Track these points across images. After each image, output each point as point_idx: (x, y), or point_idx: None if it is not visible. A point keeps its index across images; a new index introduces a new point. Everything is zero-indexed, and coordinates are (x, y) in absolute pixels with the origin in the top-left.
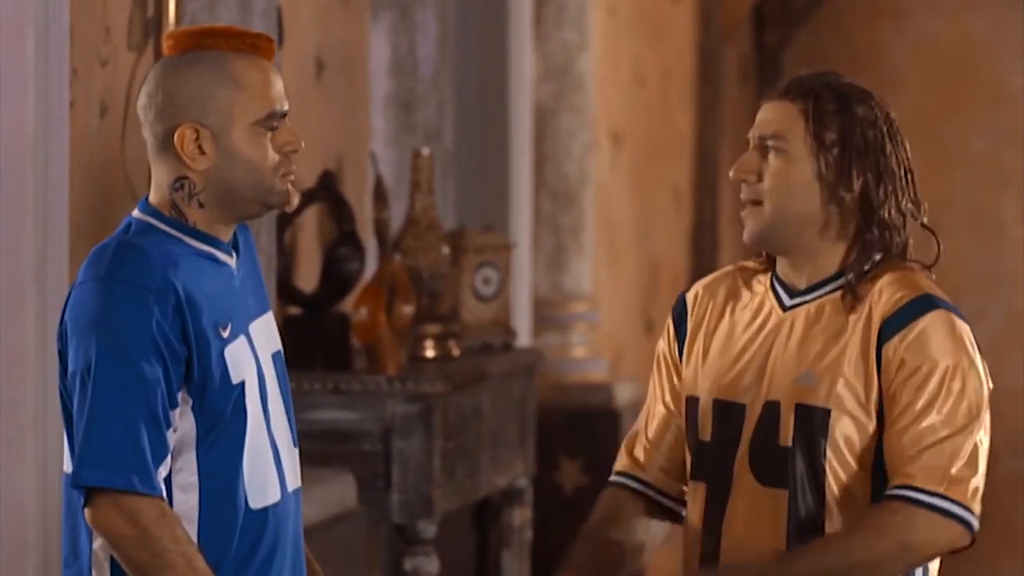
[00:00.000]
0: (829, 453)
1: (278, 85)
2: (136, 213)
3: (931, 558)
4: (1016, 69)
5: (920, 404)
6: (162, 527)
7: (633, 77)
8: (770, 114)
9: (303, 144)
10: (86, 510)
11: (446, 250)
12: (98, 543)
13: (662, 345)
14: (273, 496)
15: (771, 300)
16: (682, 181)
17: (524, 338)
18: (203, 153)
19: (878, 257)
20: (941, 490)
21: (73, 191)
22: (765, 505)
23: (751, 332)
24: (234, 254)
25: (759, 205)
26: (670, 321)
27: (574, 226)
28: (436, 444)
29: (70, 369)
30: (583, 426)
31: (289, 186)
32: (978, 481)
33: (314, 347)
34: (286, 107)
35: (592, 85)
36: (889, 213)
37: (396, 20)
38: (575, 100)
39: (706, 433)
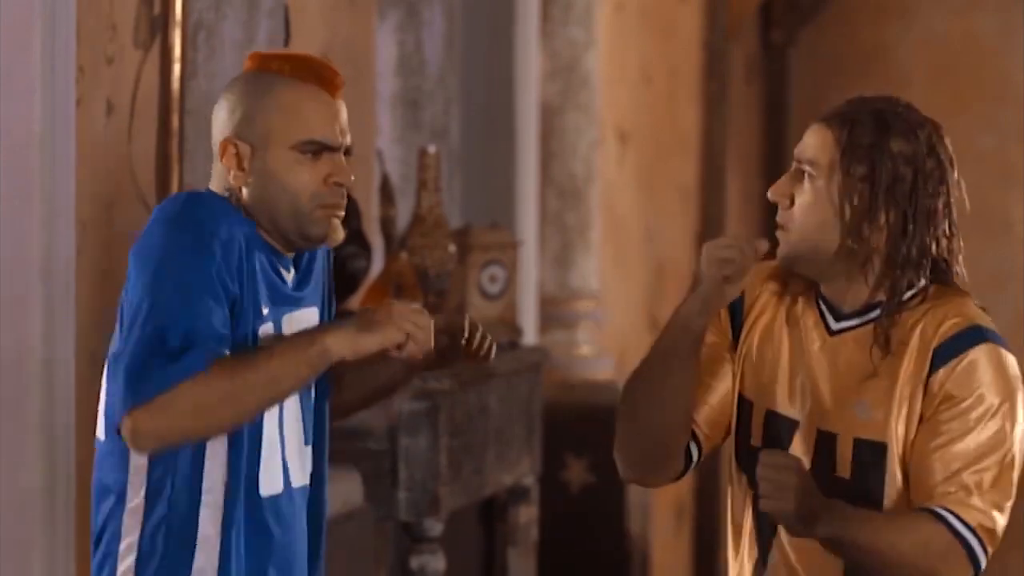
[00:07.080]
0: (887, 488)
1: (333, 117)
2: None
3: None
4: (1022, 67)
5: (957, 431)
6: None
7: (640, 75)
8: (810, 138)
9: (352, 179)
10: (187, 385)
11: (452, 248)
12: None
13: (708, 338)
14: (275, 487)
15: (816, 317)
16: (689, 179)
17: (530, 336)
18: (242, 169)
19: (922, 283)
20: (974, 524)
21: (79, 189)
22: None
23: (797, 347)
24: (292, 269)
25: (787, 230)
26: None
27: (580, 224)
28: (443, 442)
29: (126, 303)
30: (589, 424)
31: (333, 220)
32: (1002, 520)
33: None
34: (339, 141)
35: (599, 83)
36: (917, 252)
37: (403, 18)
38: (582, 98)
39: (757, 440)
